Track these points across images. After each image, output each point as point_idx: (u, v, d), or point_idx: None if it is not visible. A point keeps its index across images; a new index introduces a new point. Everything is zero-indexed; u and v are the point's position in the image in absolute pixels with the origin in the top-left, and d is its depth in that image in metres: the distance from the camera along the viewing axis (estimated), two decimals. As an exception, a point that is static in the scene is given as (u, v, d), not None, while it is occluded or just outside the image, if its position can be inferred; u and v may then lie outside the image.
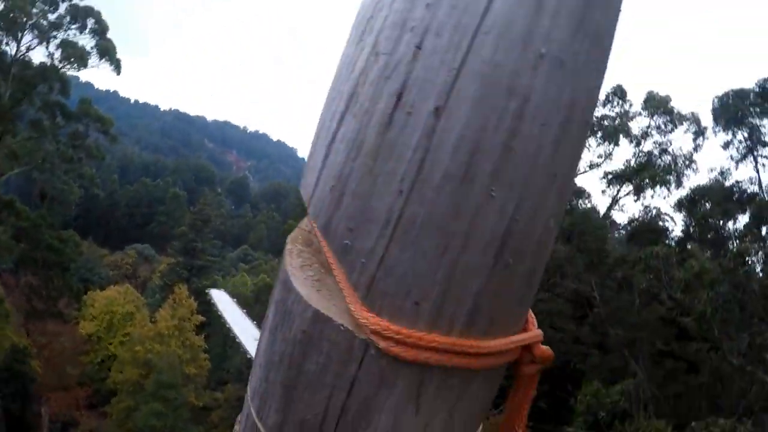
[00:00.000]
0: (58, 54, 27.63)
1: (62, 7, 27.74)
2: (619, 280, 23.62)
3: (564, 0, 0.82)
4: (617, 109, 28.63)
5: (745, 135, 25.13)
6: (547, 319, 23.60)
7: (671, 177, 27.81)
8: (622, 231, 30.79)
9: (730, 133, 25.43)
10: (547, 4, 0.81)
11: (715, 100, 25.08)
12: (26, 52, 27.43)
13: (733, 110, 24.40)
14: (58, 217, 37.67)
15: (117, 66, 28.86)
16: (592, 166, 28.84)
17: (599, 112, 27.60)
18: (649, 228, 24.36)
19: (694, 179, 28.44)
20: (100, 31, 28.41)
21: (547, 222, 0.88)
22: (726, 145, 25.75)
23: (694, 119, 28.68)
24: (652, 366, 21.44)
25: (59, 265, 29.04)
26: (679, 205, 26.15)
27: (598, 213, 28.70)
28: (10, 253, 28.19)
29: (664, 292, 20.79)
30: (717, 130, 26.02)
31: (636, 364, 21.65)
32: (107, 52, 28.56)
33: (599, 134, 28.06)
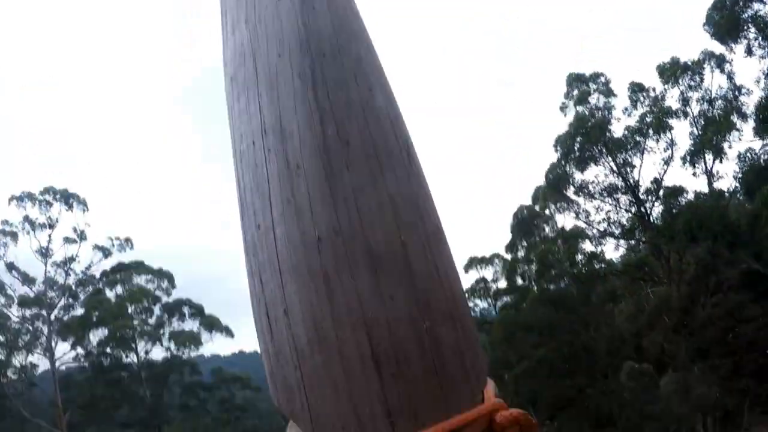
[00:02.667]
0: (173, 345, 30.78)
1: (156, 310, 31.43)
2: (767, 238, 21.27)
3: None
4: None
5: None
6: (731, 319, 21.32)
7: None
8: (739, 194, 28.01)
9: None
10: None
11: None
12: (146, 355, 30.72)
13: None
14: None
15: (228, 331, 31.64)
16: (667, 162, 27.30)
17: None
18: (758, 172, 22.27)
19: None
20: (198, 312, 31.67)
21: (412, 316, 1.19)
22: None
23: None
24: None
25: None
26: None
27: (703, 195, 26.67)
28: None
29: None
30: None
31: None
32: (213, 325, 31.52)
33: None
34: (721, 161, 26.61)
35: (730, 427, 25.48)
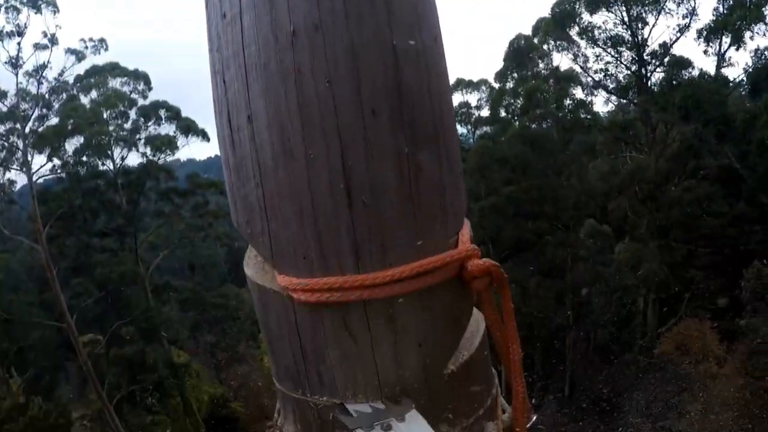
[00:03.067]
0: (149, 151, 30.50)
1: (132, 114, 30.61)
2: (757, 142, 21.32)
3: None
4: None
5: None
6: (698, 208, 21.96)
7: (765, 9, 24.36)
8: (743, 89, 27.58)
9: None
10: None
11: None
12: (122, 162, 30.57)
13: None
14: (213, 278, 41.40)
15: (204, 135, 31.21)
16: (681, 30, 26.04)
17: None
18: (768, 73, 21.71)
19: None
20: (174, 115, 30.93)
21: (382, 156, 1.03)
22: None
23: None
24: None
25: (228, 317, 31.97)
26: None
27: (709, 76, 25.89)
28: (182, 325, 31.82)
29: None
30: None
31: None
32: (189, 128, 30.97)
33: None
34: (737, 49, 25.37)
35: (668, 310, 27.36)
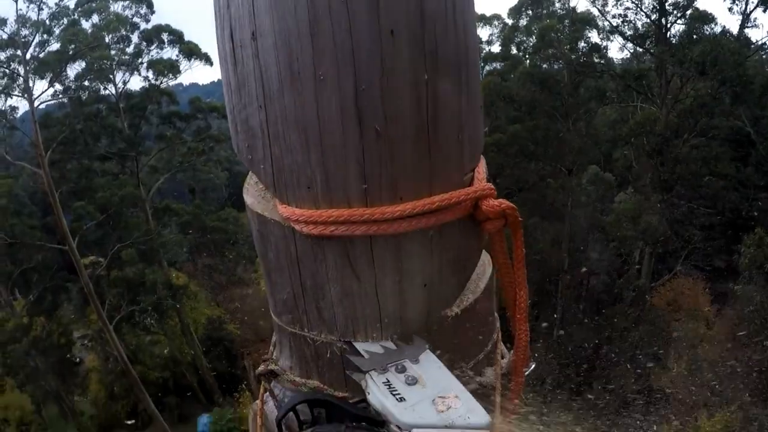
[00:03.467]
0: (151, 75, 29.92)
1: (134, 38, 29.80)
2: None
3: None
4: None
5: None
6: (704, 167, 21.71)
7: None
8: (765, 53, 26.82)
9: None
10: None
11: None
12: (124, 86, 30.03)
13: None
14: (213, 202, 41.52)
15: (207, 59, 30.56)
16: None
17: None
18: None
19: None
20: (177, 39, 30.11)
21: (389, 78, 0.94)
22: None
23: None
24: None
25: (227, 241, 32.20)
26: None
27: (730, 35, 25.14)
28: (181, 247, 32.09)
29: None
30: None
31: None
32: (192, 52, 30.22)
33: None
34: (765, 10, 24.42)
35: (662, 266, 27.47)
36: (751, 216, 22.85)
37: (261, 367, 1.32)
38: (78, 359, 29.23)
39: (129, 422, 27.35)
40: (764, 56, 26.36)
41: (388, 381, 1.03)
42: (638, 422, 16.43)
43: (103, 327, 23.92)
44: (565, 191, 24.99)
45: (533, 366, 1.55)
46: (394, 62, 0.91)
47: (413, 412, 0.97)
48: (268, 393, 1.32)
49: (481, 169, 1.13)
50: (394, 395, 1.00)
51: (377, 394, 1.01)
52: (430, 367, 1.07)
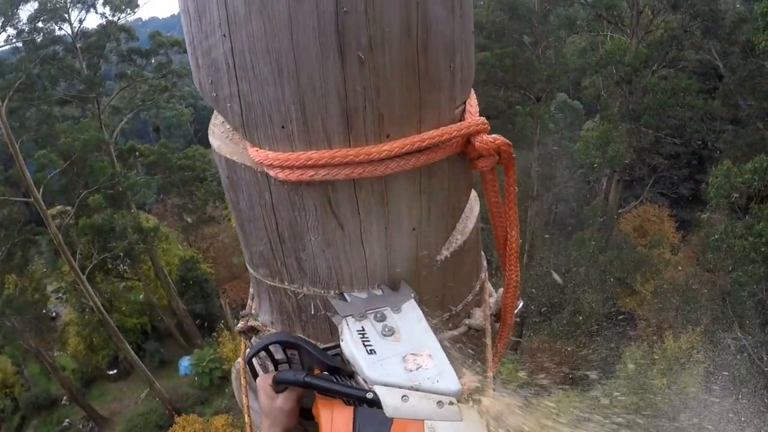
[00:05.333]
0: (108, 11, 28.36)
1: None
2: (742, 44, 20.90)
3: None
4: None
5: None
6: (672, 98, 21.88)
7: None
8: None
9: None
10: None
11: None
12: (80, 25, 28.43)
13: None
14: (179, 140, 40.53)
15: None
16: None
17: None
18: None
19: None
20: None
21: None
22: None
23: None
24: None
25: (195, 179, 31.71)
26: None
27: None
28: (149, 188, 31.46)
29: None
30: None
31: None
32: None
33: None
34: None
35: (628, 192, 27.99)
36: (717, 147, 23.25)
37: (240, 324, 1.24)
38: (54, 314, 29.03)
39: (111, 372, 27.60)
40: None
41: (363, 329, 0.98)
42: (609, 343, 17.13)
43: (77, 278, 23.60)
44: (534, 119, 25.03)
45: (521, 304, 1.51)
46: None
47: (380, 368, 0.92)
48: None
49: (473, 102, 1.03)
50: (366, 346, 0.95)
51: (349, 343, 0.96)
52: (409, 318, 1.01)
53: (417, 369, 0.92)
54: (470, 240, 1.19)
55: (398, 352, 0.95)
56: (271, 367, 1.14)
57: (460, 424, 0.88)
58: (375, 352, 0.95)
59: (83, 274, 23.64)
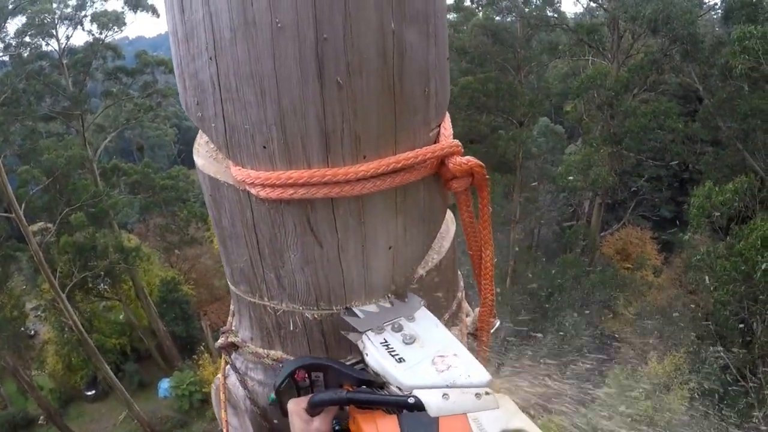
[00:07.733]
0: (95, 28, 28.41)
1: None
2: (721, 67, 21.40)
3: None
4: None
5: None
6: (653, 121, 22.29)
7: None
8: (716, 13, 27.30)
9: None
10: None
11: None
12: (67, 42, 28.45)
13: None
14: (162, 160, 40.34)
15: (153, 10, 29.15)
16: None
17: None
18: (744, 2, 21.38)
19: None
20: None
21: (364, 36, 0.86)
22: None
23: None
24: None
25: (178, 199, 31.50)
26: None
27: None
28: (132, 208, 31.24)
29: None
30: None
31: (753, 159, 20.10)
32: (137, 3, 28.77)
33: None
34: None
35: (611, 216, 28.33)
36: (697, 169, 23.63)
37: (221, 340, 1.25)
38: (33, 332, 28.46)
39: (89, 393, 27.04)
40: (715, 16, 26.77)
41: (386, 341, 1.01)
42: (592, 365, 17.11)
43: (56, 296, 23.20)
44: (517, 143, 25.31)
45: (498, 324, 1.54)
46: (358, 10, 0.83)
47: (413, 374, 0.95)
48: (229, 366, 1.26)
49: (447, 125, 1.08)
50: (393, 356, 0.98)
51: (375, 355, 0.99)
52: (426, 324, 1.05)
53: (448, 369, 0.96)
54: (446, 259, 1.23)
55: (426, 356, 0.98)
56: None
57: (498, 411, 0.93)
58: (404, 360, 0.98)
59: (63, 293, 23.26)
